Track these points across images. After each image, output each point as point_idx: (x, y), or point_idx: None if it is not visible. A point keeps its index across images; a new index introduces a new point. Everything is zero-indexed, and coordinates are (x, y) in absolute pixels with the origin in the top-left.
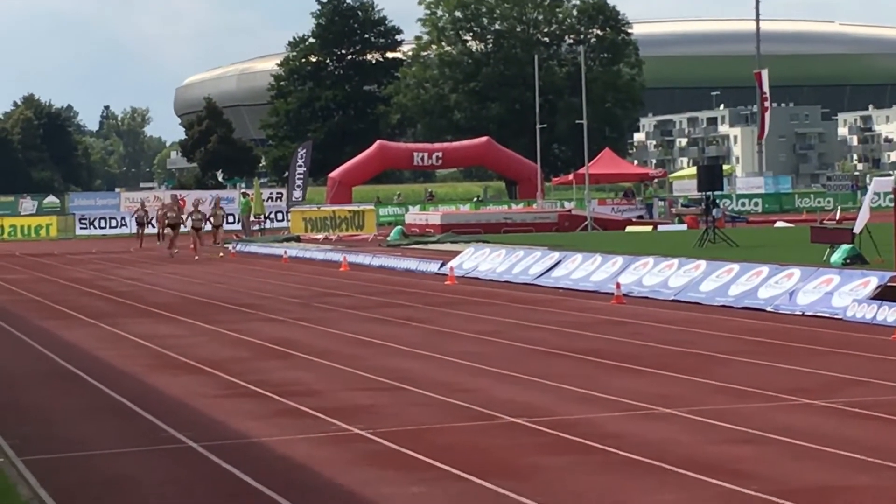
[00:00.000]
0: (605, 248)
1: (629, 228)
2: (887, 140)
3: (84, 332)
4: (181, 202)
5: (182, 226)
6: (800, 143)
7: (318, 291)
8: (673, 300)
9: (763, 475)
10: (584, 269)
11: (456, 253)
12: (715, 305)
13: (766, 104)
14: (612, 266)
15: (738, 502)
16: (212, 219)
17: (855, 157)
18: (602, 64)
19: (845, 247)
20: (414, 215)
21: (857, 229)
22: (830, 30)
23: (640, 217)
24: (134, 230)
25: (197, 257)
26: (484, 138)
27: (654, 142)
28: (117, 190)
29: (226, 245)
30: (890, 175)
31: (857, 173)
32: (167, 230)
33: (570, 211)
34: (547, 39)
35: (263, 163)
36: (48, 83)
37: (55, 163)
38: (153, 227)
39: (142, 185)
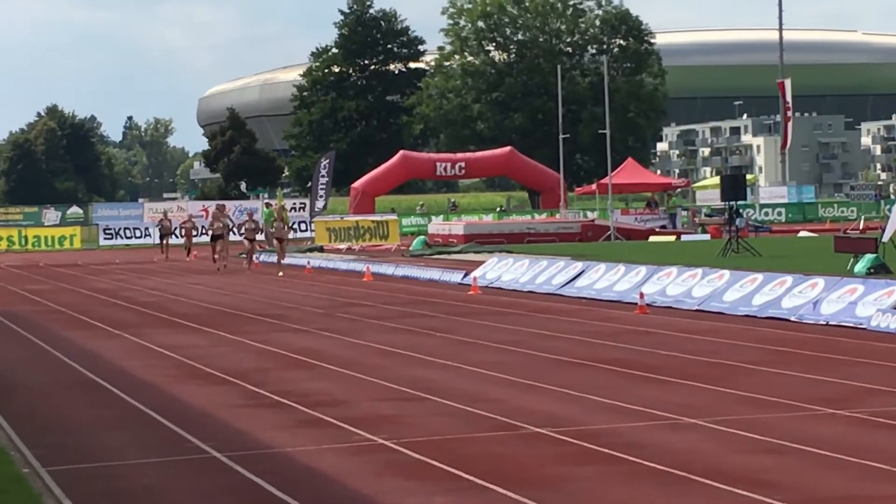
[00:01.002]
0: (629, 257)
1: (652, 238)
2: None
3: (108, 342)
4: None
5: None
6: (823, 153)
7: (342, 301)
8: (696, 310)
9: (787, 485)
10: (607, 279)
11: (479, 263)
12: (739, 315)
13: (789, 114)
14: (636, 276)
15: None
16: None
17: (878, 166)
18: (625, 74)
19: (869, 256)
20: (437, 225)
21: (885, 238)
22: (853, 39)
23: (664, 227)
24: (157, 240)
25: (247, 268)
26: (507, 148)
27: (677, 151)
28: (140, 200)
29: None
30: None
31: (880, 182)
32: (214, 242)
33: (593, 221)
34: (570, 49)
35: (286, 173)
36: (71, 94)
37: (78, 173)
38: (177, 237)
39: (165, 195)
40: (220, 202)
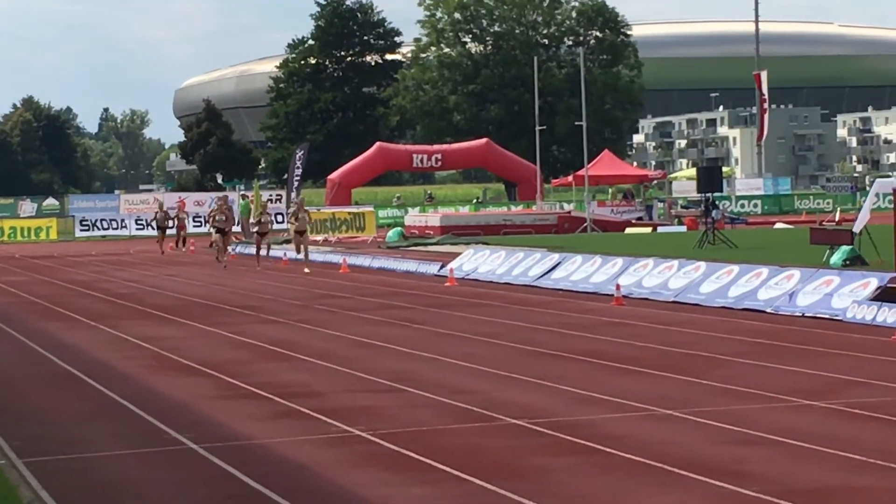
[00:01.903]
0: (605, 249)
1: (629, 230)
2: (886, 141)
3: (85, 334)
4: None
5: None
6: (799, 145)
7: (318, 293)
8: (673, 301)
9: (764, 476)
10: (583, 271)
11: (456, 254)
12: (715, 307)
13: (766, 106)
14: (612, 268)
15: (738, 503)
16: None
17: (854, 158)
18: (601, 65)
19: (845, 248)
20: (413, 217)
21: (856, 229)
22: (829, 31)
23: (640, 218)
24: (134, 232)
25: (259, 267)
26: (483, 140)
27: (654, 143)
28: (117, 192)
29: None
30: (890, 176)
31: (856, 175)
32: (215, 236)
33: (569, 213)
34: (546, 41)
35: (263, 165)
36: (47, 85)
37: (54, 165)
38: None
39: (141, 187)
40: (223, 194)
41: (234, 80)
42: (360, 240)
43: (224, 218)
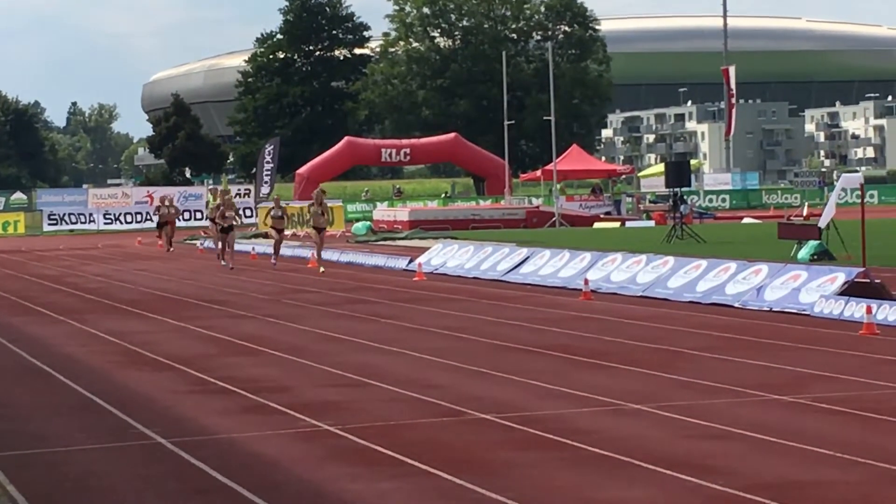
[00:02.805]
0: (574, 244)
1: (597, 225)
2: (854, 136)
3: (52, 328)
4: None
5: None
6: (767, 140)
7: (287, 288)
8: (641, 296)
9: (731, 470)
10: (552, 266)
11: (424, 249)
12: (683, 301)
13: (734, 101)
14: (581, 262)
15: (706, 497)
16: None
17: (822, 153)
18: (570, 60)
19: (812, 243)
20: (382, 211)
21: (822, 224)
22: (797, 26)
23: (608, 213)
24: (102, 227)
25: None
26: (452, 135)
27: (622, 138)
28: (85, 186)
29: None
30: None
31: (823, 170)
32: (226, 235)
33: (538, 207)
34: (514, 36)
35: (231, 159)
36: (15, 79)
37: (22, 159)
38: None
39: (109, 181)
40: (226, 189)
41: (203, 74)
42: (329, 234)
43: (233, 213)
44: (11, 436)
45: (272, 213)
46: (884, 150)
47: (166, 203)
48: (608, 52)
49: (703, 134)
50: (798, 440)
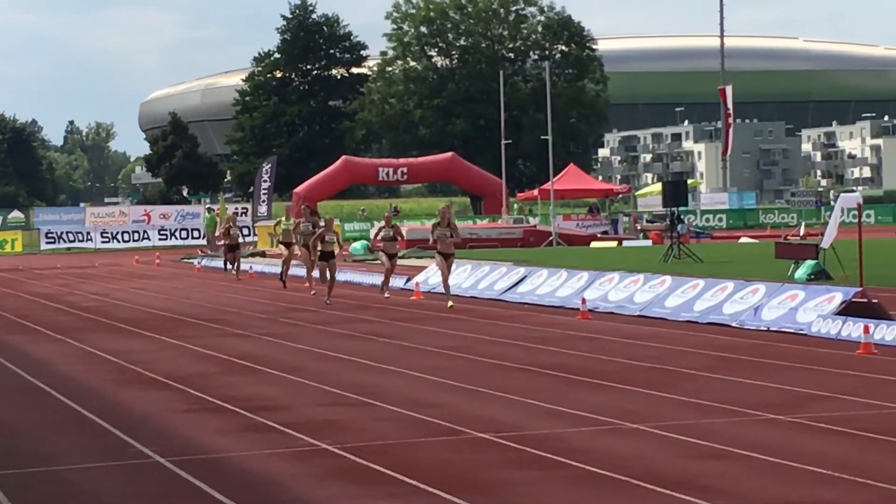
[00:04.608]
0: (571, 263)
1: (594, 244)
2: (850, 156)
3: (50, 347)
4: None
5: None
6: (764, 159)
7: (284, 307)
8: (638, 315)
9: (729, 490)
10: (549, 285)
11: (421, 268)
12: (680, 321)
13: (730, 120)
14: (578, 282)
15: None
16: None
17: (818, 172)
18: (567, 80)
19: (810, 262)
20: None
21: (825, 244)
22: (794, 46)
23: (605, 233)
24: (99, 245)
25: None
26: (449, 154)
27: (619, 157)
28: (82, 205)
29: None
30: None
31: (820, 189)
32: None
33: (535, 226)
34: (512, 55)
35: (228, 178)
36: (12, 98)
37: (19, 177)
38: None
39: (106, 200)
40: (306, 204)
41: (200, 92)
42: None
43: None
44: (10, 454)
45: (382, 233)
46: (880, 169)
47: (232, 223)
48: (605, 71)
49: (699, 153)
50: (796, 460)
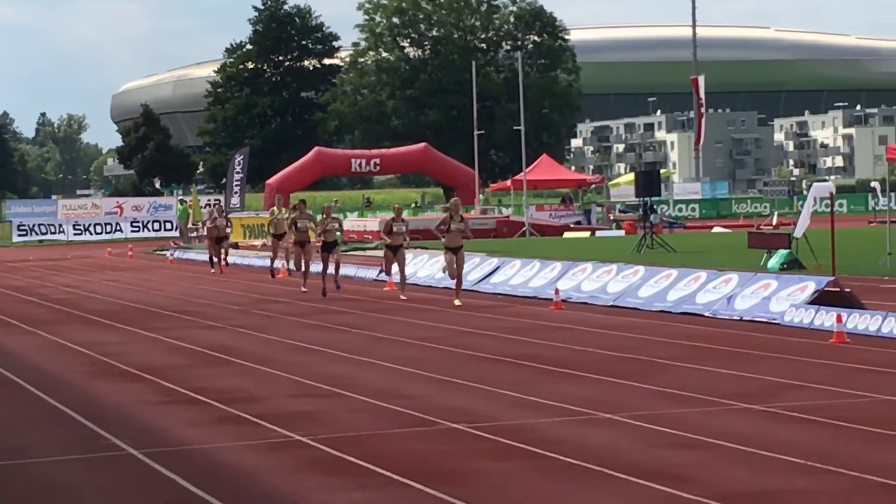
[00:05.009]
0: (544, 254)
1: (567, 234)
2: (823, 145)
3: (22, 339)
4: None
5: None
6: (736, 149)
7: (258, 298)
8: (611, 306)
9: (703, 479)
10: (522, 275)
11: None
12: (653, 311)
13: (703, 110)
14: (551, 272)
15: None
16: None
17: (791, 162)
18: (539, 70)
19: (782, 252)
20: (352, 222)
21: (797, 234)
22: (767, 36)
23: (578, 223)
24: (72, 237)
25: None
26: (421, 145)
27: (592, 147)
28: (54, 197)
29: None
30: (826, 180)
31: (793, 178)
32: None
33: (508, 217)
34: (484, 46)
35: (201, 169)
36: None
37: None
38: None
39: (78, 192)
40: (301, 199)
41: (172, 84)
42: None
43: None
44: None
45: (395, 227)
46: (852, 159)
47: (221, 214)
48: (577, 61)
49: (672, 143)
50: (769, 449)
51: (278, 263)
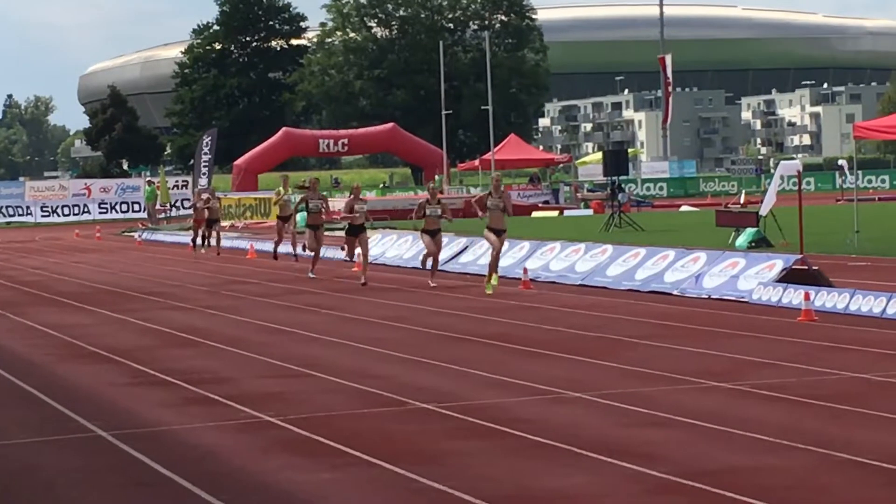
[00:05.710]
0: (512, 233)
1: (535, 213)
2: (790, 124)
3: None
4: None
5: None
6: (704, 128)
7: (226, 279)
8: (580, 285)
9: (671, 457)
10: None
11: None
12: (622, 290)
13: (670, 89)
14: (519, 251)
15: (647, 484)
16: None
17: (758, 140)
18: (507, 49)
19: (750, 230)
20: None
21: (763, 212)
22: (733, 14)
23: (546, 202)
24: (39, 219)
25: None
26: (389, 125)
27: (559, 127)
28: (21, 179)
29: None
30: (794, 158)
31: (760, 157)
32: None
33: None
34: (451, 25)
35: (168, 151)
36: None
37: None
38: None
39: (46, 174)
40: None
41: (140, 65)
42: (267, 225)
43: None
44: None
45: (428, 210)
46: (820, 137)
47: (212, 195)
48: (545, 41)
49: (640, 122)
50: (737, 427)
51: (283, 248)
